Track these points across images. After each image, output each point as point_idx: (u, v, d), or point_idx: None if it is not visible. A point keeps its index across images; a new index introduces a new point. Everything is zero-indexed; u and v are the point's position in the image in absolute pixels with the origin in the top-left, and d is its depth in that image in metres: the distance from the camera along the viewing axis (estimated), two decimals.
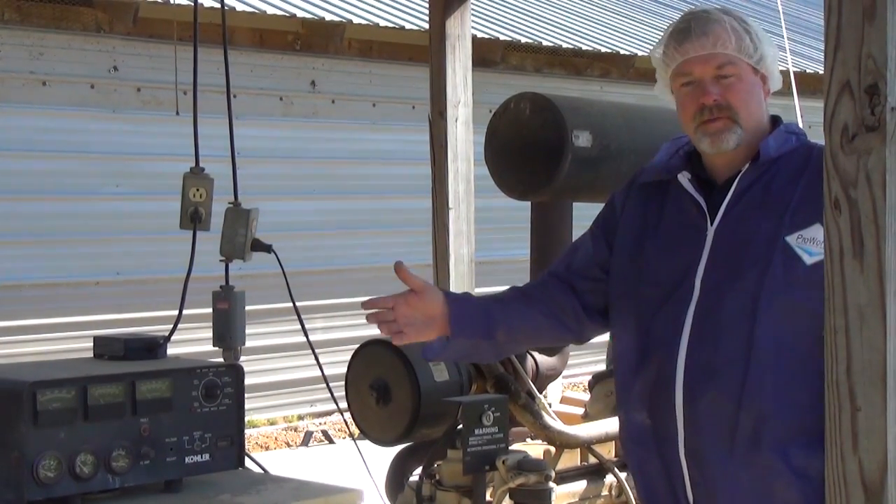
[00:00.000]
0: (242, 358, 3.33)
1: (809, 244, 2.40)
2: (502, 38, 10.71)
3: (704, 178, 2.58)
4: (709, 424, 2.46)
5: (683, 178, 2.58)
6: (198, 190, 3.32)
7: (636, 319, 2.59)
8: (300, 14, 9.28)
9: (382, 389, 3.11)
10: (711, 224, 2.52)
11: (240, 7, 8.79)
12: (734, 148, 2.51)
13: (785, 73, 2.78)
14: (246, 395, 2.53)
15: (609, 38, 12.02)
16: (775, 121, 2.59)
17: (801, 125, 2.80)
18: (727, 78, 2.50)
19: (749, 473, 2.44)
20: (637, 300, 2.60)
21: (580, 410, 3.72)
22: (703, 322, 2.48)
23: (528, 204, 3.71)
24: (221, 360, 3.27)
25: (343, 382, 3.26)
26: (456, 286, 4.34)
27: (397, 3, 10.46)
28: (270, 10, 9.05)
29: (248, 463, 2.67)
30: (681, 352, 2.48)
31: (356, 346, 3.25)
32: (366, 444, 3.34)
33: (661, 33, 2.66)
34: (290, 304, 3.51)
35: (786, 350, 2.41)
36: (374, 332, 2.61)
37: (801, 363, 2.37)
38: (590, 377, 3.80)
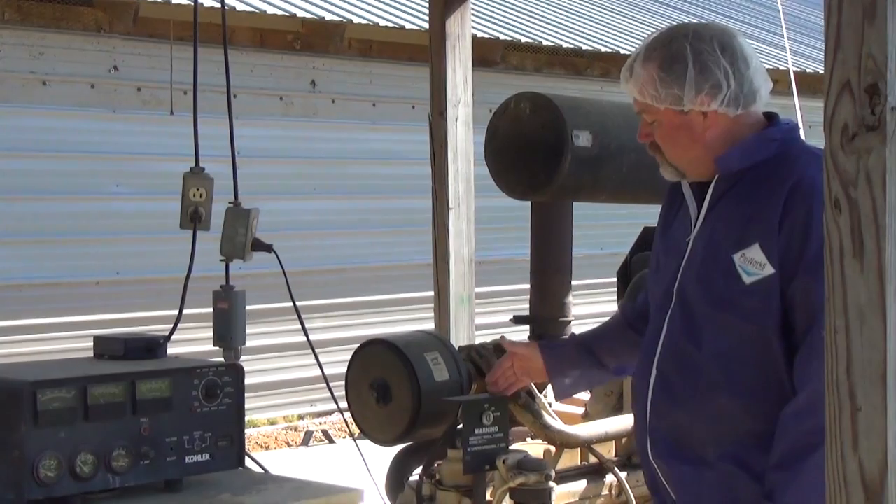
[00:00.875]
0: (242, 357, 3.33)
1: (749, 264, 2.43)
2: (502, 37, 10.71)
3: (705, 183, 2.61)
4: (666, 430, 2.56)
5: (685, 184, 2.62)
6: (198, 189, 3.32)
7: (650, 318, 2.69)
8: (300, 14, 9.28)
9: (382, 389, 3.11)
10: (693, 233, 2.56)
11: (240, 7, 8.79)
12: (676, 178, 2.59)
13: (785, 73, 2.79)
14: (246, 395, 2.53)
15: (609, 37, 12.02)
16: (769, 119, 2.58)
17: (800, 125, 2.80)
18: (651, 123, 2.56)
19: (711, 475, 2.50)
20: (652, 299, 2.70)
21: (580, 410, 3.72)
22: (672, 330, 2.55)
23: (528, 204, 3.71)
24: (222, 359, 3.27)
25: (343, 382, 3.26)
26: (456, 286, 4.35)
27: (397, 2, 10.47)
28: (271, 10, 9.05)
29: (248, 463, 2.67)
30: (656, 358, 2.55)
31: (356, 345, 3.25)
32: (366, 444, 3.34)
33: None
34: (291, 304, 3.50)
35: (730, 362, 2.46)
36: (374, 331, 2.62)
37: (749, 373, 2.44)
38: None
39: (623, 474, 3.38)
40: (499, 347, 3.29)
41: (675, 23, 2.73)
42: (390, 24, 9.78)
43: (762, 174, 2.48)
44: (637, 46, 2.58)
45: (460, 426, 2.92)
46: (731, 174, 2.51)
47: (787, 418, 2.37)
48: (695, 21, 3.50)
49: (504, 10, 11.82)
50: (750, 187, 2.48)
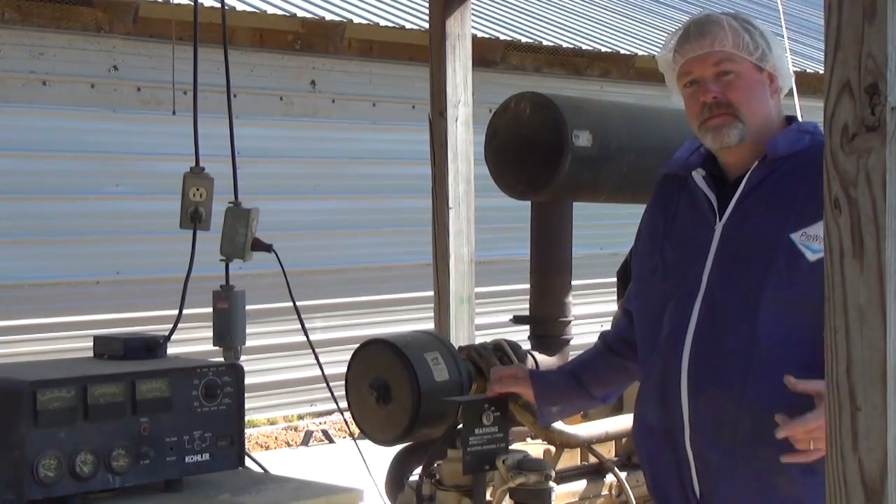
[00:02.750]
0: (242, 357, 3.33)
1: (812, 241, 2.42)
2: (502, 37, 10.71)
3: (718, 175, 2.62)
4: (712, 419, 2.50)
5: (697, 174, 2.63)
6: (198, 189, 3.32)
7: (650, 313, 2.66)
8: (300, 14, 9.28)
9: (382, 389, 3.11)
10: (720, 220, 2.55)
11: (240, 7, 8.79)
12: (737, 143, 2.54)
13: None
14: (246, 395, 2.53)
15: (609, 37, 12.02)
16: (789, 121, 2.61)
17: None
18: (727, 75, 2.55)
19: (752, 467, 2.46)
20: (652, 294, 2.67)
21: None
22: (708, 317, 2.52)
23: (528, 203, 3.71)
24: (221, 359, 3.27)
25: (343, 382, 3.26)
26: (456, 286, 4.35)
27: (397, 2, 10.47)
28: (271, 10, 9.05)
29: (248, 462, 2.67)
30: (686, 346, 2.52)
31: (356, 345, 3.25)
32: (366, 444, 3.34)
33: (662, 33, 2.71)
34: (291, 304, 3.50)
35: (788, 346, 2.44)
36: (374, 331, 2.62)
37: (804, 359, 2.38)
38: None
39: (623, 474, 3.38)
40: (499, 347, 3.30)
41: (674, 23, 2.74)
42: (390, 24, 9.78)
43: (800, 162, 2.51)
44: (637, 46, 2.59)
45: (460, 426, 2.92)
46: (771, 161, 2.53)
47: None
48: None
49: (504, 10, 11.82)
50: (798, 171, 2.50)
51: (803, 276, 2.42)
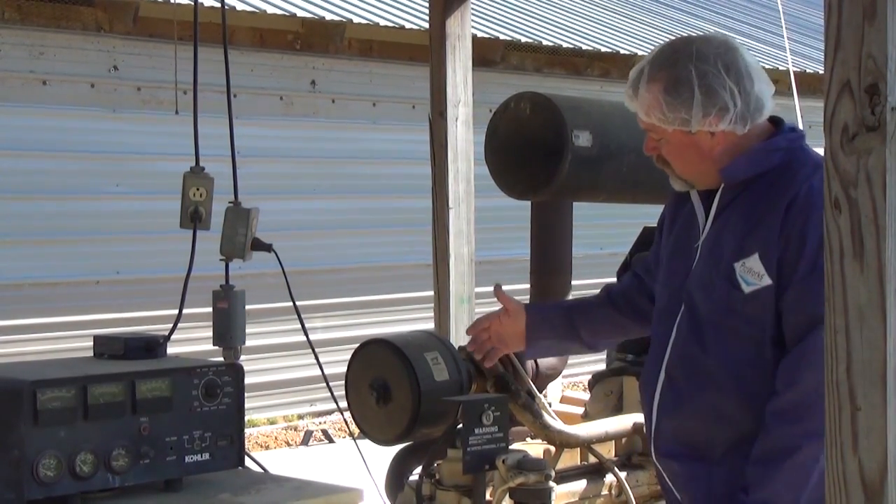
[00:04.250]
0: (242, 357, 3.33)
1: (748, 274, 2.45)
2: (502, 37, 10.72)
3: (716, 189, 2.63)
4: (672, 433, 2.59)
5: (693, 190, 2.63)
6: (198, 189, 3.32)
7: (653, 322, 2.71)
8: (300, 13, 9.28)
9: (382, 389, 3.11)
10: (701, 238, 2.58)
11: (240, 6, 8.79)
12: (686, 188, 2.61)
13: (785, 73, 2.80)
14: (246, 395, 2.53)
15: (609, 37, 12.02)
16: (775, 125, 2.59)
17: (800, 125, 2.81)
18: (658, 139, 2.57)
19: (718, 475, 2.53)
20: (657, 302, 2.71)
21: (580, 410, 3.72)
22: (681, 334, 2.58)
23: (528, 203, 3.71)
24: (221, 359, 3.27)
25: (343, 382, 3.26)
26: (456, 286, 4.35)
27: (397, 2, 10.47)
28: (271, 10, 9.05)
29: (248, 462, 2.67)
30: (665, 360, 2.57)
31: (356, 345, 3.25)
32: (366, 444, 3.34)
33: (661, 33, 2.72)
34: (290, 304, 3.50)
35: (732, 366, 2.49)
36: (374, 331, 2.63)
37: (748, 378, 2.47)
38: (590, 377, 3.81)
39: (623, 474, 3.38)
40: None
41: (674, 23, 2.75)
42: (390, 24, 9.78)
43: (765, 185, 2.50)
44: (637, 46, 2.60)
45: (460, 426, 2.92)
46: (736, 184, 2.52)
47: (770, 417, 2.42)
48: (695, 30, 3.52)
49: (504, 10, 11.82)
50: (754, 197, 2.50)
51: (738, 307, 2.46)
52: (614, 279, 3.79)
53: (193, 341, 4.97)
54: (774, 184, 2.47)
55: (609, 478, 3.39)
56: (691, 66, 2.48)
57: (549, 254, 3.67)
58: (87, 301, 8.37)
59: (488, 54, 10.38)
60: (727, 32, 7.32)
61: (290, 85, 9.49)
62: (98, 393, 2.28)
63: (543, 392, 3.36)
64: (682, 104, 2.48)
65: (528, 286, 3.73)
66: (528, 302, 3.12)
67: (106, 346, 2.61)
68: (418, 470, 3.22)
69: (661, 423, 2.60)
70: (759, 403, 2.44)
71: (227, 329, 3.35)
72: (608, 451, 3.50)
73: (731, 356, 2.48)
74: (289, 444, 8.87)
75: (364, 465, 3.60)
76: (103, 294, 8.49)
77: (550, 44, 11.12)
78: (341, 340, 8.30)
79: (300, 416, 9.41)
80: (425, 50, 4.59)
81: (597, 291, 3.02)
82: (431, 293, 4.47)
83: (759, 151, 2.52)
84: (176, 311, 3.12)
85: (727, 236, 2.51)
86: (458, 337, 4.28)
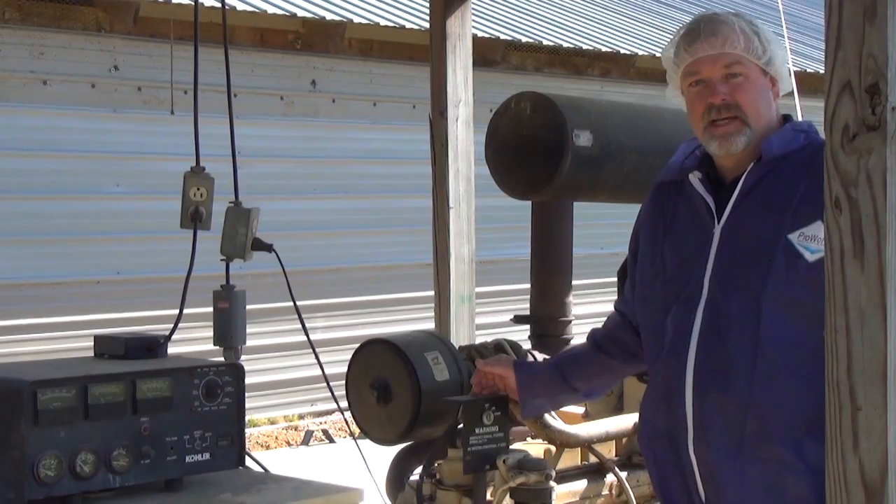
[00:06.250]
0: (243, 357, 3.33)
1: (811, 241, 2.42)
2: (503, 37, 10.71)
3: (714, 177, 2.62)
4: (717, 422, 2.50)
5: (694, 177, 2.62)
6: (198, 189, 3.32)
7: (653, 318, 2.66)
8: (301, 13, 9.28)
9: (383, 388, 3.11)
10: (718, 223, 2.54)
11: (240, 6, 8.79)
12: (743, 149, 2.53)
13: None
14: (246, 395, 2.53)
15: (609, 37, 12.01)
16: (785, 119, 2.61)
17: None
18: (736, 77, 2.53)
19: (759, 469, 2.46)
20: (654, 299, 2.67)
21: (580, 410, 3.72)
22: (711, 321, 2.52)
23: (528, 203, 3.71)
24: (222, 359, 3.27)
25: (343, 381, 3.26)
26: (456, 285, 4.35)
27: (398, 2, 10.46)
28: (271, 10, 9.05)
29: (248, 462, 2.67)
30: (690, 350, 2.52)
31: (356, 345, 3.25)
32: (366, 444, 3.34)
33: (662, 33, 2.70)
34: (291, 304, 3.50)
35: (792, 346, 2.43)
36: (374, 331, 2.63)
37: (809, 358, 2.37)
38: None
39: (623, 474, 3.38)
40: (499, 347, 3.29)
41: (674, 23, 2.75)
42: (391, 24, 9.78)
43: (796, 162, 2.50)
44: (637, 46, 2.59)
45: (460, 426, 2.92)
46: (767, 161, 2.52)
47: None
48: None
49: (504, 10, 11.82)
50: (794, 171, 2.49)
51: (802, 276, 2.41)
52: (614, 279, 3.79)
53: (194, 341, 4.97)
54: (813, 157, 2.44)
55: (610, 478, 3.39)
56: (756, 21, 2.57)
57: (550, 254, 3.67)
58: (87, 301, 8.37)
59: (489, 54, 10.38)
60: None
61: (290, 85, 9.49)
62: (98, 393, 2.29)
63: None
64: (764, 41, 2.53)
65: (528, 286, 3.73)
66: (514, 359, 3.06)
67: (106, 346, 2.61)
68: (419, 470, 3.22)
69: (699, 415, 2.49)
70: (813, 386, 2.25)
71: (228, 329, 3.35)
72: (609, 450, 3.50)
73: (789, 333, 2.42)
74: (289, 444, 8.87)
75: (365, 464, 3.60)
76: (104, 294, 8.49)
77: (551, 43, 11.12)
78: (342, 340, 8.31)
79: (301, 416, 9.41)
80: (425, 50, 4.59)
81: (583, 340, 2.98)
82: (431, 293, 4.47)
83: (788, 131, 2.55)
84: (176, 311, 3.11)
85: (762, 214, 2.49)
86: (459, 337, 4.28)
